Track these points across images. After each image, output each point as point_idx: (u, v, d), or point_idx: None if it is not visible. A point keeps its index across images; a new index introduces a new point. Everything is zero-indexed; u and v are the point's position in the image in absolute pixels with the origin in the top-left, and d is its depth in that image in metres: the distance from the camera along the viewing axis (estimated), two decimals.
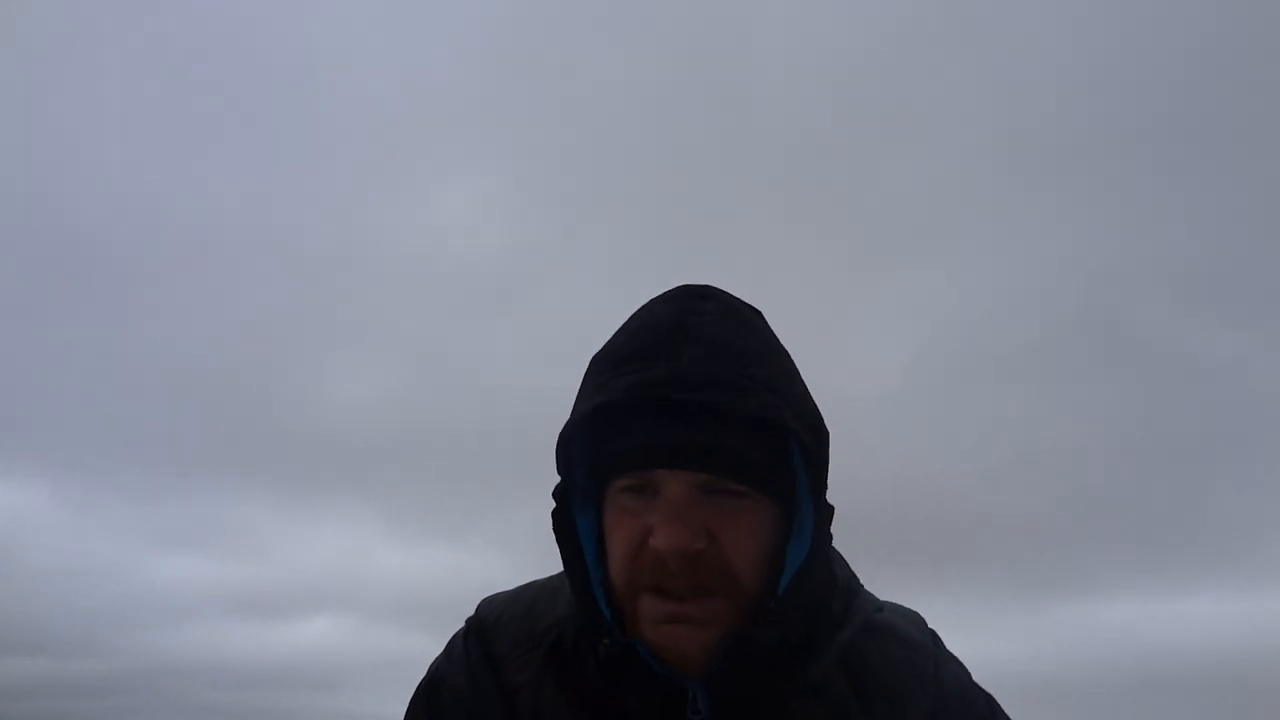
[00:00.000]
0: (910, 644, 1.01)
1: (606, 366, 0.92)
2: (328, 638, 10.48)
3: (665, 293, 0.98)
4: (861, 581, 1.07)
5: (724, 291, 1.00)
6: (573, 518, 0.96)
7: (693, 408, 0.86)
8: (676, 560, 0.88)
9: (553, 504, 0.97)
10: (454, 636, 1.09)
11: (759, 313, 1.00)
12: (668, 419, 0.88)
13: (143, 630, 10.06)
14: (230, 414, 10.68)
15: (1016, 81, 9.09)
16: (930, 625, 1.10)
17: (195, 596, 10.27)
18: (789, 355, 0.98)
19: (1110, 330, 9.00)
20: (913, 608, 1.11)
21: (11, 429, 9.96)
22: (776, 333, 1.00)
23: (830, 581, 0.98)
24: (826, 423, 0.97)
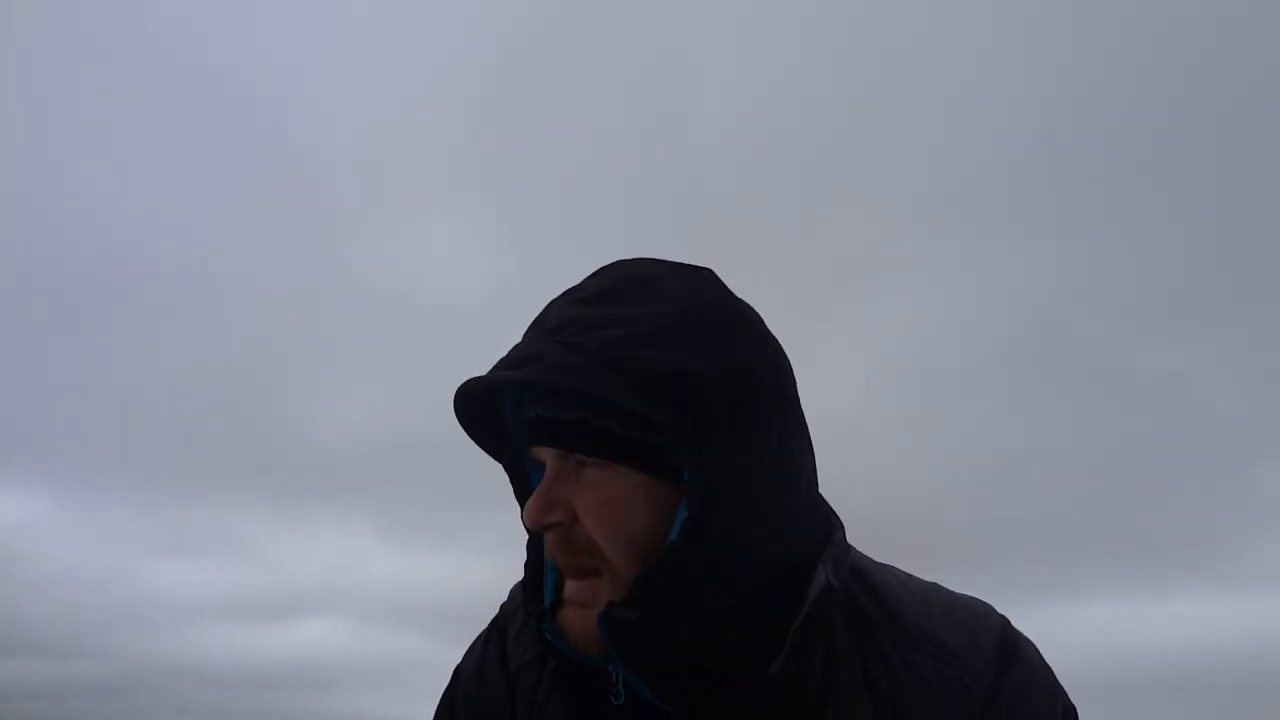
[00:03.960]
0: (941, 654, 0.86)
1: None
2: (323, 640, 10.40)
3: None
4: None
5: (634, 264, 0.89)
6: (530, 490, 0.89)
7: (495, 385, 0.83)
8: (549, 540, 0.84)
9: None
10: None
11: (675, 278, 0.87)
12: (533, 392, 0.84)
13: (143, 633, 9.96)
14: (227, 431, 10.70)
15: (955, 127, 9.26)
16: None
17: (194, 601, 10.19)
18: (700, 307, 0.84)
19: (1055, 350, 9.13)
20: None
21: (16, 441, 9.89)
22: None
23: (752, 556, 0.81)
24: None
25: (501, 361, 0.83)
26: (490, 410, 0.90)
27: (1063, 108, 8.81)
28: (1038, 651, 0.92)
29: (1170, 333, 8.85)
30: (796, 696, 0.82)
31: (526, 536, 0.90)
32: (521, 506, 0.87)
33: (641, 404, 0.77)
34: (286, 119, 10.36)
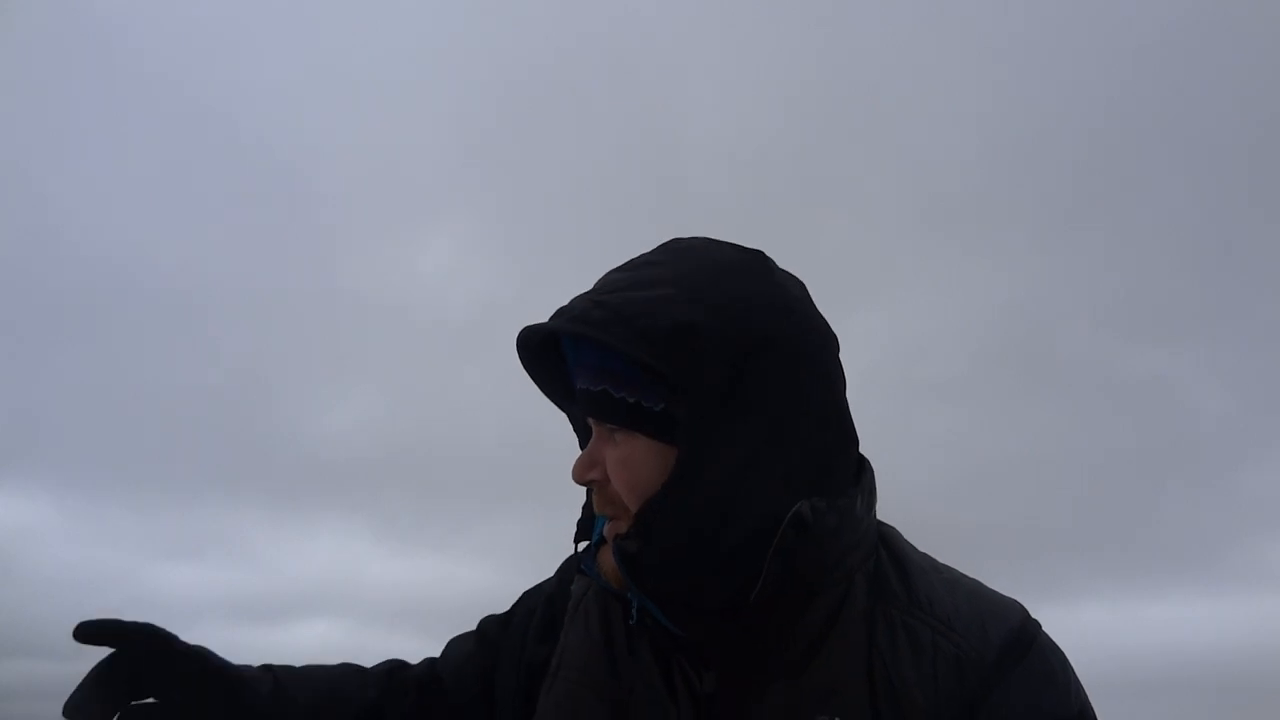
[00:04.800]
0: (944, 629, 0.92)
1: None
2: (322, 642, 10.38)
3: None
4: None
5: (687, 241, 1.01)
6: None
7: (596, 346, 0.93)
8: (591, 494, 1.00)
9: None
10: None
11: (717, 253, 0.98)
12: (575, 370, 0.99)
13: None
14: (226, 438, 10.73)
15: (940, 137, 9.32)
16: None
17: (194, 602, 10.15)
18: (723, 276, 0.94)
19: (1041, 356, 9.17)
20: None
21: (17, 444, 9.87)
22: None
23: (741, 501, 0.88)
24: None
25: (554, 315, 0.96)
26: (561, 366, 1.04)
27: (1047, 116, 8.87)
28: (1061, 655, 0.94)
29: (1155, 338, 8.90)
30: (794, 636, 0.91)
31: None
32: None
33: (646, 353, 0.87)
34: (281, 133, 10.43)
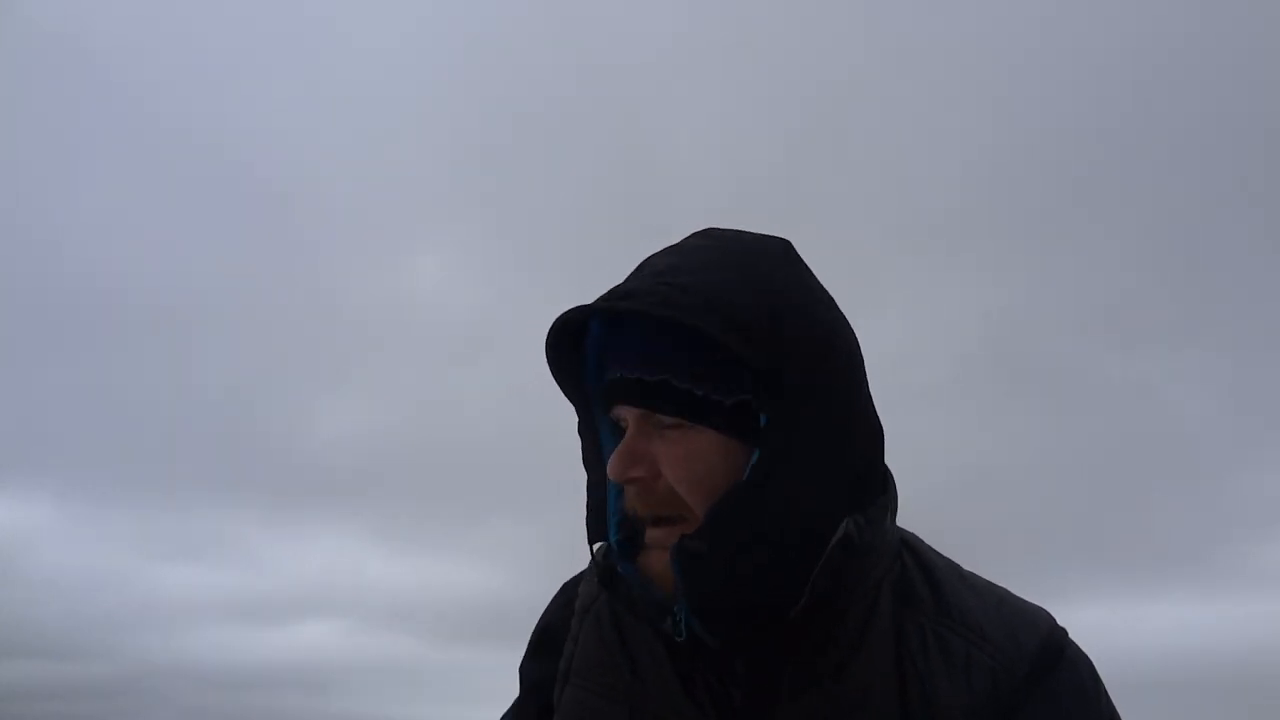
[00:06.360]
0: (977, 639, 0.87)
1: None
2: (320, 642, 10.35)
3: None
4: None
5: (724, 230, 0.95)
6: (599, 449, 0.94)
7: (648, 332, 0.85)
8: (628, 492, 0.89)
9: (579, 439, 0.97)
10: None
11: (764, 242, 0.93)
12: (619, 354, 0.88)
13: (142, 636, 9.90)
14: (226, 443, 10.77)
15: (921, 152, 9.40)
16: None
17: (193, 604, 10.14)
18: (780, 273, 0.89)
19: (1025, 364, 9.22)
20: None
21: (20, 448, 9.86)
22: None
23: (803, 507, 0.84)
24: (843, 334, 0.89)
25: (608, 294, 0.86)
26: (572, 355, 0.95)
27: (1030, 130, 8.92)
28: (1089, 664, 0.91)
29: (1137, 344, 8.93)
30: (824, 649, 0.85)
31: (587, 491, 0.95)
32: (588, 448, 0.95)
33: (738, 343, 0.81)
34: (281, 155, 10.48)
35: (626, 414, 0.88)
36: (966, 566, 0.97)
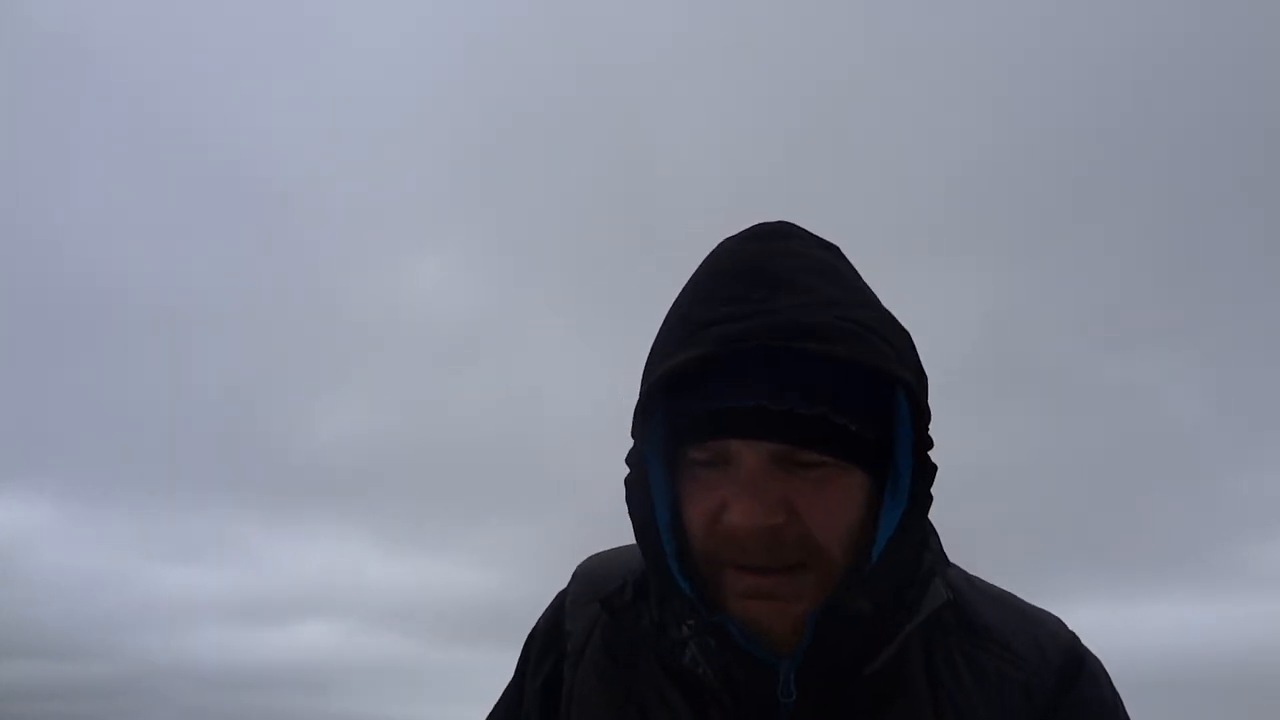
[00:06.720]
0: (1007, 655, 0.84)
1: (692, 316, 0.77)
2: (319, 642, 10.34)
3: (741, 233, 0.85)
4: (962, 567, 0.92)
5: (802, 229, 0.86)
6: (648, 484, 0.81)
7: (787, 360, 0.73)
8: (754, 537, 0.75)
9: (622, 472, 0.84)
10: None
11: (839, 250, 0.86)
12: (744, 380, 0.74)
13: (142, 636, 9.90)
14: (226, 444, 10.76)
15: (919, 155, 9.41)
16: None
17: (193, 604, 10.14)
18: (877, 297, 0.84)
19: (1023, 366, 9.23)
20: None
21: (21, 450, 9.87)
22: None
23: (917, 557, 0.81)
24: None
25: (786, 330, 0.73)
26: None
27: (1027, 128, 8.91)
28: (1104, 670, 0.89)
29: (1138, 346, 8.93)
30: (869, 686, 0.80)
31: (632, 519, 0.82)
32: (638, 486, 0.81)
33: (910, 374, 0.75)
34: (283, 153, 10.47)
35: (747, 450, 0.76)
36: (966, 568, 0.96)
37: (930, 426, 0.78)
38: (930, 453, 0.78)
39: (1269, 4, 7.23)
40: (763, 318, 0.73)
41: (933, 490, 0.79)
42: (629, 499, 0.82)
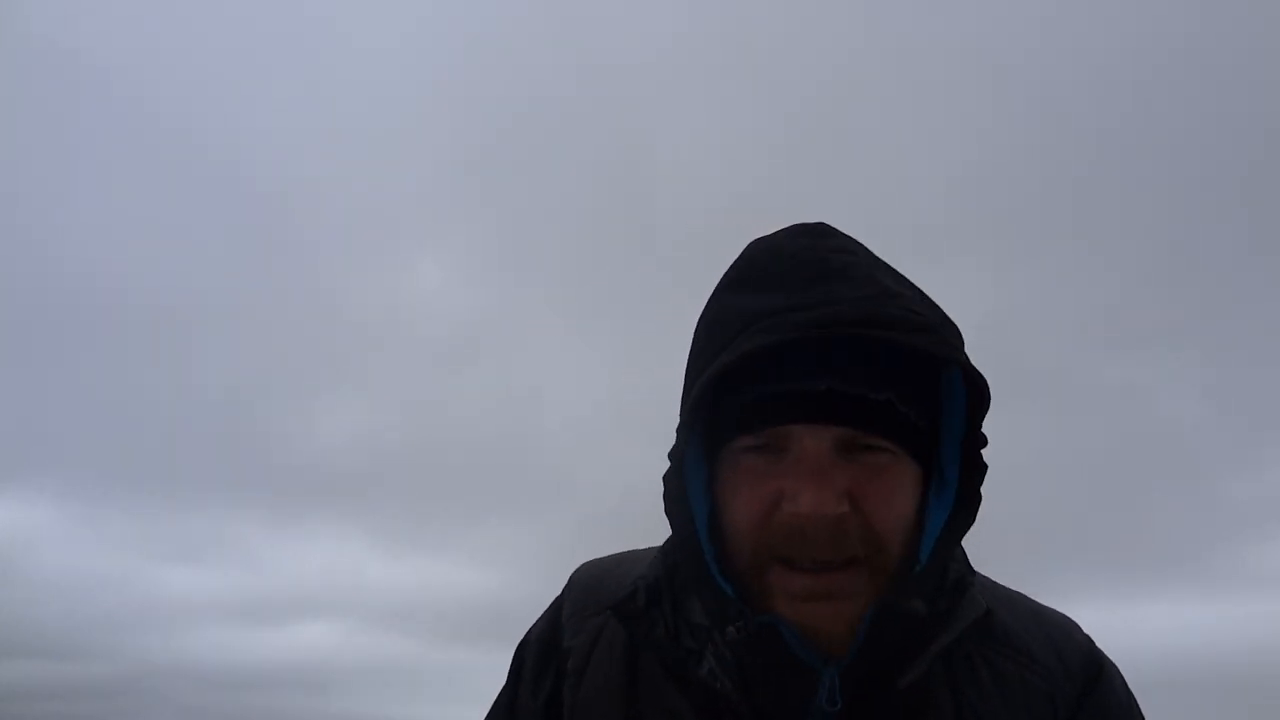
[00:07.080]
0: (1028, 661, 0.81)
1: (750, 308, 0.74)
2: (319, 643, 10.34)
3: (784, 230, 0.82)
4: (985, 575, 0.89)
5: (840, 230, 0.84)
6: (684, 485, 0.77)
7: (852, 348, 0.71)
8: (819, 528, 0.71)
9: (652, 469, 0.80)
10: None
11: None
12: (809, 367, 0.71)
13: (142, 636, 9.91)
14: (226, 444, 10.75)
15: (917, 159, 9.43)
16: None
17: (193, 605, 10.14)
18: None
19: (1019, 368, 9.23)
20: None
21: (22, 451, 9.89)
22: None
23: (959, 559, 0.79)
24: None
25: (847, 314, 0.71)
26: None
27: (1029, 134, 8.91)
28: (1120, 673, 0.88)
29: (1137, 346, 8.93)
30: (902, 698, 0.76)
31: (670, 518, 0.78)
32: (675, 486, 0.77)
33: (965, 361, 0.73)
34: (284, 153, 10.48)
35: (809, 436, 0.72)
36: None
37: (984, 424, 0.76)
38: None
39: (1269, 4, 7.23)
40: (831, 307, 0.71)
41: (982, 490, 0.77)
42: (666, 495, 0.78)
